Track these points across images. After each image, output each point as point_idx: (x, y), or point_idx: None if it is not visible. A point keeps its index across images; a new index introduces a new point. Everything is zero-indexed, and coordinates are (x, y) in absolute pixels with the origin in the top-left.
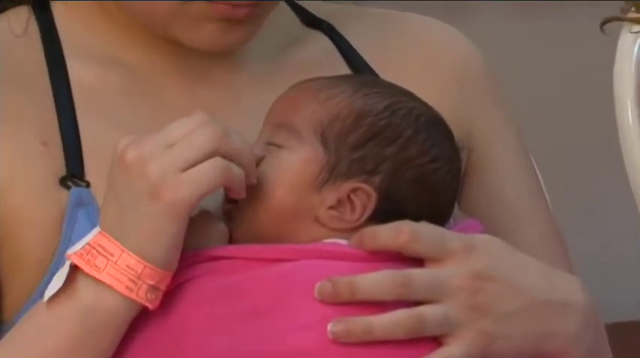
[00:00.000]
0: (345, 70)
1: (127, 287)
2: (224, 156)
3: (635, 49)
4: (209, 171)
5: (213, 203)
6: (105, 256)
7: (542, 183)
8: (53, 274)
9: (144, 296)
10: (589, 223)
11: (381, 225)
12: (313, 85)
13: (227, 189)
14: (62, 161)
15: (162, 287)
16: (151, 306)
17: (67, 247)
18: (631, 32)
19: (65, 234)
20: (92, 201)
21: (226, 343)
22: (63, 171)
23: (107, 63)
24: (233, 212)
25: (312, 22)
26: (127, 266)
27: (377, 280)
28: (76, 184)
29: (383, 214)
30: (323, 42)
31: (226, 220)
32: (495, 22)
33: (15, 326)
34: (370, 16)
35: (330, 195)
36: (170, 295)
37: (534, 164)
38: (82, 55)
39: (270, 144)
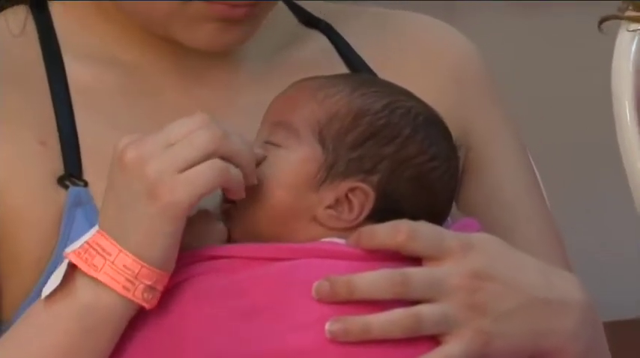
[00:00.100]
0: (343, 69)
1: (124, 286)
2: (223, 158)
3: (633, 48)
4: (207, 173)
5: (212, 202)
6: (102, 255)
7: (540, 181)
8: (51, 273)
9: (140, 296)
10: (587, 222)
11: (379, 224)
12: (311, 84)
13: (225, 191)
14: (60, 160)
15: (160, 287)
16: (147, 306)
17: (64, 246)
18: (628, 31)
19: (63, 234)
20: (90, 201)
21: (224, 342)
22: (61, 171)
23: (105, 62)
24: (231, 211)
25: (309, 21)
26: (124, 266)
27: (375, 279)
28: (74, 184)
29: (381, 213)
30: (321, 41)
31: (224, 219)
32: (494, 21)
33: (13, 326)
34: (368, 15)
35: (328, 195)
36: (168, 294)
37: (532, 163)
38: (80, 54)
39: (268, 143)
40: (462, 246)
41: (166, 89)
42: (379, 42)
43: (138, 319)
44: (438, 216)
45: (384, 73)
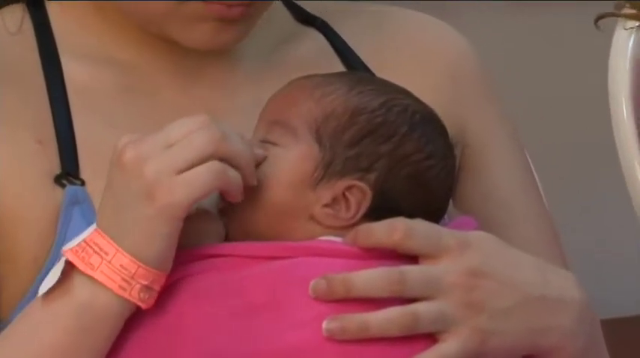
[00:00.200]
0: (339, 67)
1: (120, 286)
2: (222, 159)
3: (630, 45)
4: (204, 175)
5: (209, 200)
6: (99, 254)
7: (537, 180)
8: (48, 272)
9: (137, 296)
10: (585, 220)
11: (376, 223)
12: (308, 83)
13: (223, 193)
14: (57, 159)
15: (157, 287)
16: (144, 306)
17: (62, 245)
18: (625, 29)
19: (60, 233)
20: (87, 200)
21: (222, 340)
22: (58, 170)
23: (102, 62)
24: (228, 209)
25: (306, 19)
26: (121, 265)
27: (371, 277)
28: (71, 182)
29: (378, 211)
30: (317, 39)
31: (222, 218)
32: (486, 19)
33: (10, 325)
34: (365, 13)
35: (325, 193)
36: (166, 292)
37: (529, 161)
38: (77, 53)
39: (264, 141)
40: (458, 244)
41: (163, 88)
42: (375, 40)
43: (135, 318)
44: (434, 214)
45: (380, 71)
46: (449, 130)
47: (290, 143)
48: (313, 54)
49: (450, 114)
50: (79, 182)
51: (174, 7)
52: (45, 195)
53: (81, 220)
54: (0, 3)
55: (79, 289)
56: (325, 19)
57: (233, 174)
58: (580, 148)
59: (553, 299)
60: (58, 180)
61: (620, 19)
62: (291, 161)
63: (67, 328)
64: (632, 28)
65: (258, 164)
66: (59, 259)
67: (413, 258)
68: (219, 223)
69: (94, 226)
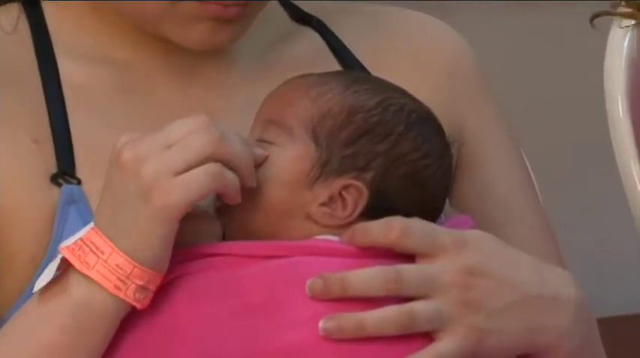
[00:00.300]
0: (335, 66)
1: (116, 286)
2: (220, 161)
3: (625, 44)
4: (201, 177)
5: (207, 199)
6: (95, 253)
7: (535, 179)
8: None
9: (132, 296)
10: (582, 218)
11: (373, 221)
12: (304, 82)
13: (221, 195)
14: (53, 159)
15: (152, 287)
16: (139, 306)
17: (58, 244)
18: (621, 27)
19: (56, 232)
20: (83, 199)
21: (219, 340)
22: (54, 169)
23: (98, 61)
24: (226, 209)
25: (302, 18)
26: (117, 265)
27: (368, 276)
28: (68, 181)
29: (374, 210)
30: (313, 38)
31: (219, 217)
32: (485, 19)
33: (7, 324)
34: (361, 13)
35: (322, 192)
36: (162, 292)
37: (526, 160)
38: (73, 53)
39: (261, 141)
40: (455, 243)
41: (159, 87)
42: (372, 39)
43: (132, 317)
44: (431, 213)
45: (376, 70)
46: (445, 129)
47: (286, 142)
48: (309, 53)
49: (446, 113)
50: (75, 181)
51: (170, 7)
52: (41, 194)
53: (77, 219)
54: None
55: (75, 288)
56: (322, 18)
57: (230, 177)
58: (577, 147)
59: (550, 298)
60: (55, 179)
61: (615, 17)
62: (287, 160)
63: (63, 327)
64: (627, 26)
65: (259, 164)
66: (55, 256)
67: (410, 257)
68: (216, 222)
69: (91, 225)
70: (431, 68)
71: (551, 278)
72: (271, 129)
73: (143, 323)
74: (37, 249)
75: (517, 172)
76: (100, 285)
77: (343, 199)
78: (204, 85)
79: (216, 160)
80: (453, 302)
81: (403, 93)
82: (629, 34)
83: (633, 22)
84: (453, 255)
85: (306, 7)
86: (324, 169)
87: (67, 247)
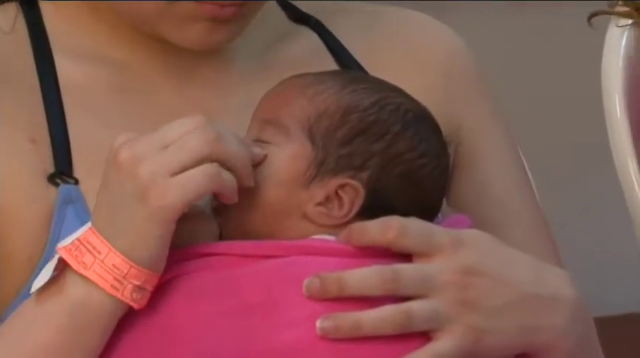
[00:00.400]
0: (332, 66)
1: (113, 286)
2: (217, 161)
3: (623, 43)
4: (198, 178)
5: (203, 199)
6: (92, 253)
7: (533, 179)
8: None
9: (129, 296)
10: (580, 218)
11: (369, 221)
12: (301, 81)
13: (218, 195)
14: (51, 158)
15: (149, 287)
16: (136, 306)
17: (55, 244)
18: (618, 26)
19: (54, 232)
20: (81, 198)
21: (216, 340)
22: (51, 169)
23: (96, 61)
24: (222, 208)
25: (299, 18)
26: (113, 265)
27: (365, 276)
28: (65, 181)
29: (371, 210)
30: (311, 38)
31: (215, 216)
32: (487, 18)
33: (3, 323)
34: (358, 12)
35: (318, 192)
36: (159, 291)
37: (524, 159)
38: (70, 52)
39: (257, 141)
40: (452, 242)
41: (157, 87)
42: (369, 39)
43: (129, 317)
44: (428, 212)
45: (374, 69)
46: (442, 129)
47: (283, 142)
48: (307, 53)
49: (443, 112)
50: (72, 181)
51: (167, 7)
52: (38, 194)
53: (74, 219)
54: None
55: (72, 288)
56: (319, 18)
57: (227, 177)
58: (576, 146)
59: (547, 298)
60: (52, 179)
61: (613, 17)
62: (283, 160)
63: (61, 327)
64: (625, 25)
65: (258, 163)
66: (53, 256)
67: (407, 257)
68: (213, 222)
69: (88, 225)
70: (428, 67)
71: (549, 278)
72: (268, 129)
73: (140, 323)
74: (34, 248)
75: (514, 172)
76: (97, 285)
77: (340, 199)
78: (201, 85)
79: (213, 160)
80: (450, 302)
81: (400, 92)
82: (626, 34)
83: (630, 21)
84: (450, 255)
85: (304, 6)
86: (320, 169)
87: (65, 247)
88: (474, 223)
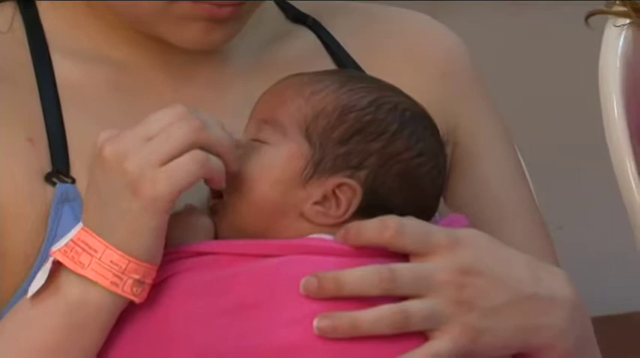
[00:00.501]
0: (330, 65)
1: (112, 282)
2: (202, 148)
3: (620, 43)
4: (188, 164)
5: (199, 198)
6: (89, 253)
7: (531, 178)
8: (39, 270)
9: (129, 291)
10: (578, 218)
11: (367, 220)
12: (298, 81)
13: (208, 181)
14: (48, 157)
15: (149, 280)
16: (137, 300)
17: (52, 243)
18: (615, 26)
19: (50, 230)
20: (77, 197)
21: (212, 339)
22: (48, 168)
23: (93, 60)
24: (218, 207)
25: (297, 17)
26: (111, 261)
27: (362, 275)
28: (62, 180)
29: (369, 209)
30: (308, 37)
31: (211, 215)
32: (482, 17)
33: (0, 322)
34: (356, 12)
35: (316, 191)
36: (155, 291)
37: (521, 159)
38: (68, 51)
39: (255, 140)
40: (449, 242)
41: (154, 87)
42: (366, 38)
43: (124, 317)
44: (425, 211)
45: (371, 68)
46: (440, 128)
47: (280, 141)
48: (305, 52)
49: (441, 111)
50: (69, 180)
51: (164, 6)
52: (35, 193)
53: (71, 218)
54: None
55: (68, 288)
56: (317, 17)
57: (215, 162)
58: (573, 146)
59: (544, 298)
60: (49, 178)
61: (610, 16)
62: (281, 159)
63: (57, 327)
64: (622, 25)
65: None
66: (47, 260)
67: (404, 256)
68: (208, 221)
69: (80, 225)
70: (426, 67)
71: (546, 277)
72: (265, 128)
73: (136, 322)
74: (31, 247)
75: (511, 170)
76: (96, 283)
77: (337, 198)
78: (199, 84)
79: (199, 147)
80: (447, 301)
81: (397, 91)
82: (623, 33)
83: (628, 21)
84: (447, 254)
85: (302, 6)
86: (317, 168)
87: (59, 250)
88: (471, 222)
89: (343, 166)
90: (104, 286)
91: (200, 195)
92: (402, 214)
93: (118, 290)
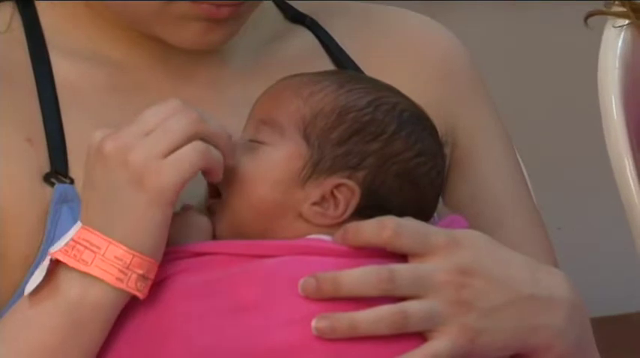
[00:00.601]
0: (328, 65)
1: (117, 278)
2: (203, 140)
3: (619, 44)
4: (191, 155)
5: (197, 198)
6: (91, 250)
7: (529, 179)
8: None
9: (134, 286)
10: (577, 218)
11: (365, 221)
12: (296, 82)
13: (206, 173)
14: (46, 158)
15: (151, 276)
16: (141, 296)
17: (51, 244)
18: (614, 27)
19: (49, 231)
20: (76, 198)
21: (210, 339)
22: (47, 168)
23: (91, 60)
24: (216, 207)
25: (295, 17)
26: (115, 257)
27: (361, 276)
28: (60, 181)
29: (367, 210)
30: (307, 37)
31: (209, 215)
32: (481, 17)
33: None
34: (354, 11)
35: (314, 191)
36: (153, 291)
37: (520, 159)
38: (67, 52)
39: (254, 141)
40: (447, 242)
41: (153, 86)
42: (365, 38)
43: (122, 317)
44: (424, 212)
45: (369, 69)
46: (438, 128)
47: (278, 142)
48: (303, 52)
49: (440, 112)
50: (68, 180)
51: (163, 6)
52: (34, 193)
53: (70, 218)
54: None
55: (68, 286)
56: (315, 17)
57: (215, 153)
58: (572, 146)
59: (543, 298)
60: (47, 178)
61: (609, 17)
62: (279, 159)
63: (57, 326)
64: (621, 26)
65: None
66: (44, 260)
67: (402, 257)
68: (206, 221)
69: (79, 224)
70: (424, 67)
71: (545, 278)
72: (264, 129)
73: (134, 322)
74: (30, 248)
75: (510, 171)
76: (100, 280)
77: (335, 198)
78: (198, 84)
79: (199, 139)
80: (445, 302)
81: (396, 92)
82: (622, 34)
83: (627, 21)
84: (445, 255)
85: (301, 6)
86: (315, 168)
87: (60, 250)
88: (470, 223)
89: (342, 167)
90: (109, 282)
91: (198, 195)
92: (400, 215)
93: (123, 286)
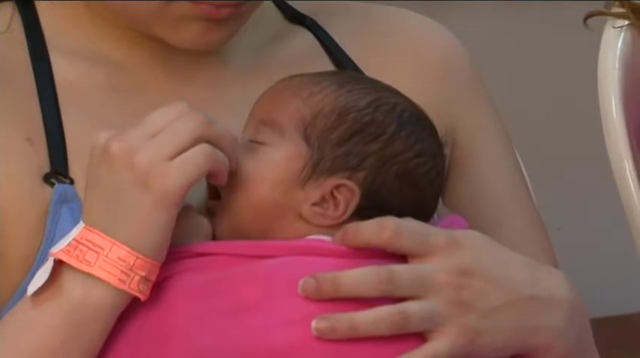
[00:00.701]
0: (328, 65)
1: (120, 279)
2: (209, 142)
3: (619, 44)
4: (197, 157)
5: (197, 199)
6: (94, 251)
7: (529, 179)
8: (38, 270)
9: (136, 288)
10: (577, 219)
11: (365, 221)
12: (296, 82)
13: (211, 176)
14: (46, 158)
15: (153, 278)
16: (142, 297)
17: (51, 244)
18: (614, 27)
19: (49, 231)
20: (76, 198)
21: (210, 339)
22: (47, 168)
23: (91, 60)
24: (216, 208)
25: (295, 17)
26: (119, 258)
27: (361, 276)
28: (60, 181)
29: (367, 210)
30: (307, 38)
31: (209, 216)
32: (480, 17)
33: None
34: (354, 11)
35: (314, 192)
36: (153, 291)
37: (520, 159)
38: (67, 52)
39: (253, 141)
40: (447, 243)
41: (153, 86)
42: (365, 38)
43: (123, 318)
44: (424, 212)
45: (368, 69)
46: (438, 129)
47: (278, 142)
48: (303, 53)
49: (439, 112)
50: (67, 180)
51: (163, 7)
52: (34, 193)
53: (70, 219)
54: None
55: (70, 287)
56: (315, 17)
57: (221, 156)
58: (572, 147)
59: (543, 299)
60: (47, 178)
61: (609, 17)
62: (279, 160)
63: (58, 327)
64: (621, 26)
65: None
66: (46, 260)
67: (403, 257)
68: (206, 222)
69: (81, 224)
70: (424, 67)
71: (545, 279)
72: (263, 129)
73: (134, 324)
74: (29, 248)
75: (510, 171)
76: (102, 281)
77: (335, 199)
78: (197, 85)
79: (205, 141)
80: (445, 302)
81: (395, 92)
82: (622, 35)
83: (627, 22)
84: (445, 255)
85: (301, 6)
86: (315, 169)
87: (63, 250)
88: (470, 223)
89: (341, 167)
90: (112, 283)
91: (198, 195)
92: (400, 215)
93: (125, 287)
